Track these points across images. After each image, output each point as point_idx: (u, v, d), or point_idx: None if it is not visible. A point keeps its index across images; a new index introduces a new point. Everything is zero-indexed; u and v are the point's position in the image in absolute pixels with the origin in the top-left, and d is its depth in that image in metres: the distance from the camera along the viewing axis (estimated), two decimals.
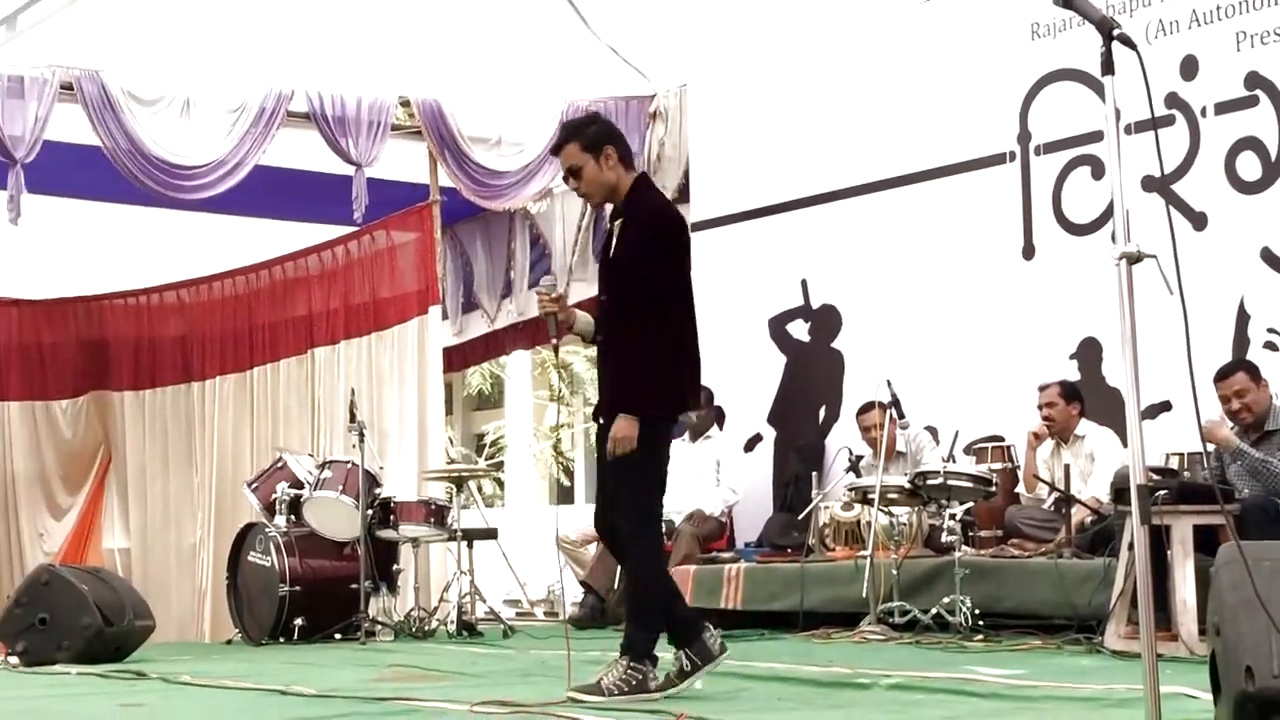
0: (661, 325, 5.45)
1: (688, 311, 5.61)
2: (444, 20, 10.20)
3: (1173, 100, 8.56)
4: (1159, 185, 8.21)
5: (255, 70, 10.45)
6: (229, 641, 10.14)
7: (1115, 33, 3.41)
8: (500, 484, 26.11)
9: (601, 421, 5.59)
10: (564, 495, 29.91)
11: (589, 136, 5.57)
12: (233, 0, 9.68)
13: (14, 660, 7.72)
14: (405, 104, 11.14)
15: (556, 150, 5.76)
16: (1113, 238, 8.75)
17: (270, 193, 11.50)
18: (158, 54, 10.15)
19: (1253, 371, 7.38)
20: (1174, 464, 7.57)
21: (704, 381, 10.28)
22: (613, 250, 5.61)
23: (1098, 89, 8.88)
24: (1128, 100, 3.50)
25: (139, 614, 8.13)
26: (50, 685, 6.53)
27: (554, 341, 5.78)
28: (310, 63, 10.51)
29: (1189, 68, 8.58)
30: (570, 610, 11.18)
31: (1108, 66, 3.42)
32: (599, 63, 11.14)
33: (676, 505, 9.95)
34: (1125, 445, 8.17)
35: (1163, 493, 6.50)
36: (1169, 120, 8.52)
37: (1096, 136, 8.96)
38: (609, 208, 5.76)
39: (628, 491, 5.49)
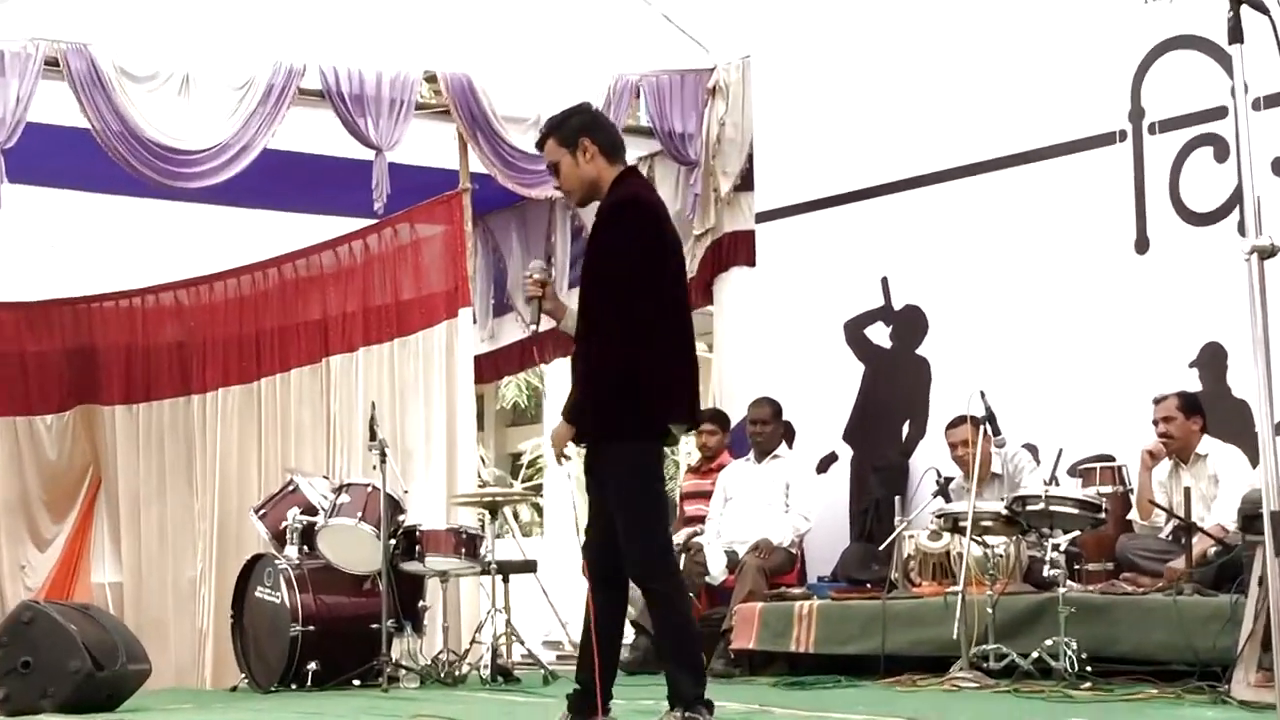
0: (633, 329, 5.54)
1: (669, 311, 5.68)
2: None
3: None
4: None
5: (263, 43, 10.52)
6: (234, 688, 10.18)
7: None
8: (539, 510, 26.12)
9: (584, 443, 5.71)
10: None
11: (566, 130, 5.79)
12: None
13: None
14: (431, 80, 11.19)
15: (540, 145, 5.95)
16: (1240, 229, 8.74)
17: (279, 181, 11.57)
18: (153, 26, 10.24)
19: None
20: None
21: (772, 393, 10.43)
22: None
23: (1222, 59, 8.83)
24: (1255, 72, 3.48)
25: (133, 657, 8.16)
26: None
27: (533, 327, 6.05)
28: (325, 34, 10.57)
29: None
30: (621, 654, 11.20)
31: (1236, 34, 3.41)
32: (651, 32, 11.18)
33: (741, 534, 9.97)
34: (1255, 465, 8.16)
35: None
36: None
37: (1220, 113, 8.92)
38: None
39: (633, 527, 5.58)
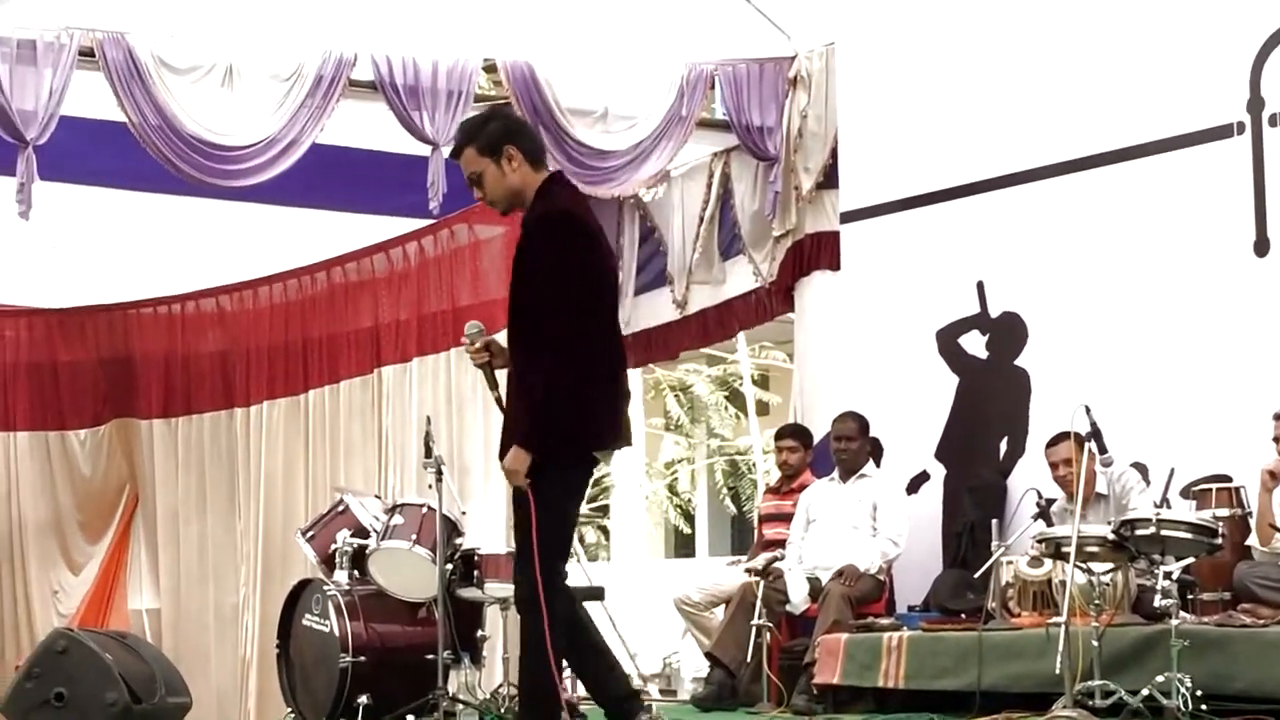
0: (563, 344, 5.69)
1: (600, 328, 5.83)
2: None
3: None
4: None
5: (311, 32, 10.58)
6: None
7: None
8: (605, 532, 26.21)
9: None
10: (683, 546, 29.93)
11: (487, 136, 5.89)
12: None
13: None
14: (491, 69, 11.23)
15: (455, 155, 6.07)
16: None
17: (328, 178, 11.62)
18: (195, 14, 10.31)
19: None
20: None
21: (859, 408, 10.40)
22: None
23: None
24: None
25: (172, 689, 8.22)
26: None
27: (495, 394, 6.20)
28: (377, 22, 10.62)
29: None
30: (693, 687, 11.22)
31: None
32: (727, 17, 11.16)
33: (824, 559, 9.95)
34: None
35: None
36: None
37: None
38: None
39: (525, 547, 5.75)
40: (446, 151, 10.70)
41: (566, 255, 5.79)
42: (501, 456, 5.83)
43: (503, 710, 9.50)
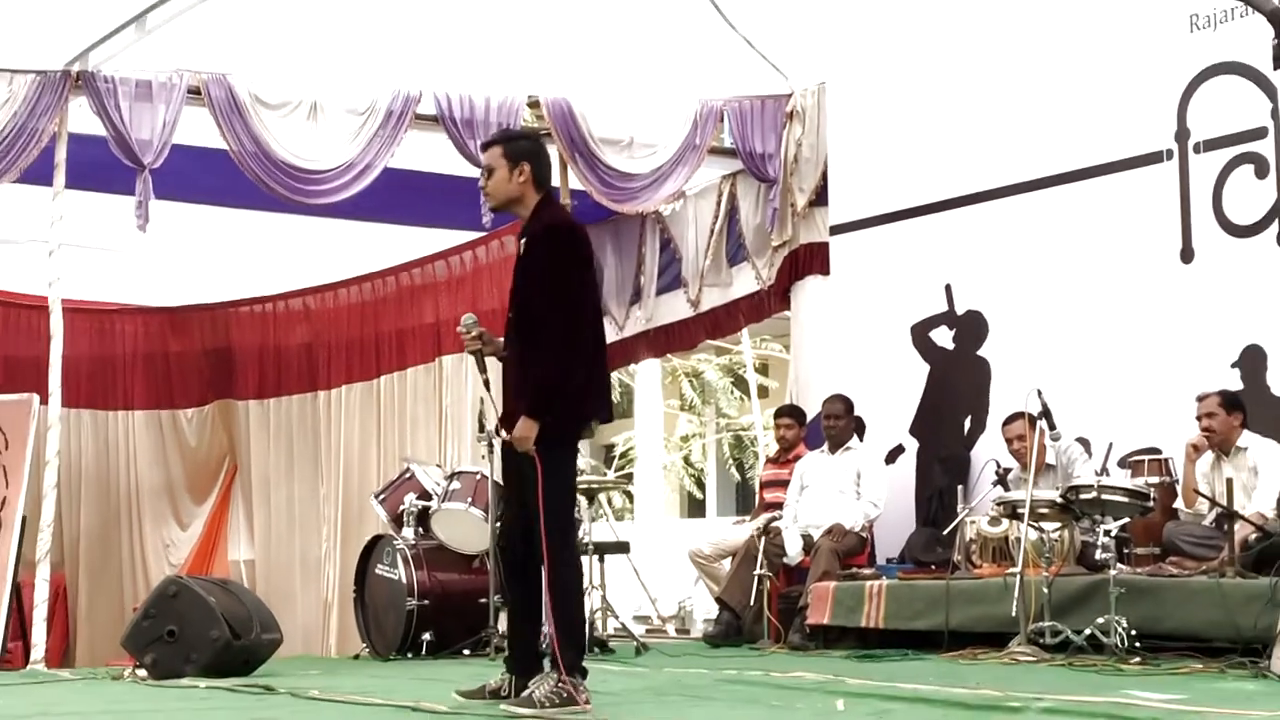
0: (566, 336, 5.71)
1: (594, 322, 5.90)
2: (574, 18, 10.26)
3: None
4: None
5: (382, 72, 10.57)
6: (356, 656, 10.26)
7: None
8: (630, 496, 26.17)
9: (504, 436, 5.84)
10: (695, 508, 29.90)
11: (514, 147, 5.96)
12: (359, 2, 9.80)
13: (142, 673, 7.86)
14: (534, 105, 11.20)
15: (485, 148, 6.14)
16: (1279, 240, 8.62)
17: (397, 197, 11.61)
18: (285, 57, 10.30)
19: None
20: None
21: (845, 390, 10.39)
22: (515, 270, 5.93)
23: (1261, 83, 8.72)
24: None
25: (266, 627, 8.24)
26: (180, 698, 6.66)
27: (484, 377, 6.17)
28: (437, 64, 10.61)
29: None
30: (704, 627, 11.22)
31: (1279, 60, 3.35)
32: (734, 61, 11.14)
33: (816, 519, 9.94)
34: None
35: None
36: None
37: (1259, 133, 8.81)
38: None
39: (545, 513, 5.67)
40: None
41: (573, 260, 5.83)
42: (507, 429, 5.78)
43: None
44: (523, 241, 5.92)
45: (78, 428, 13.10)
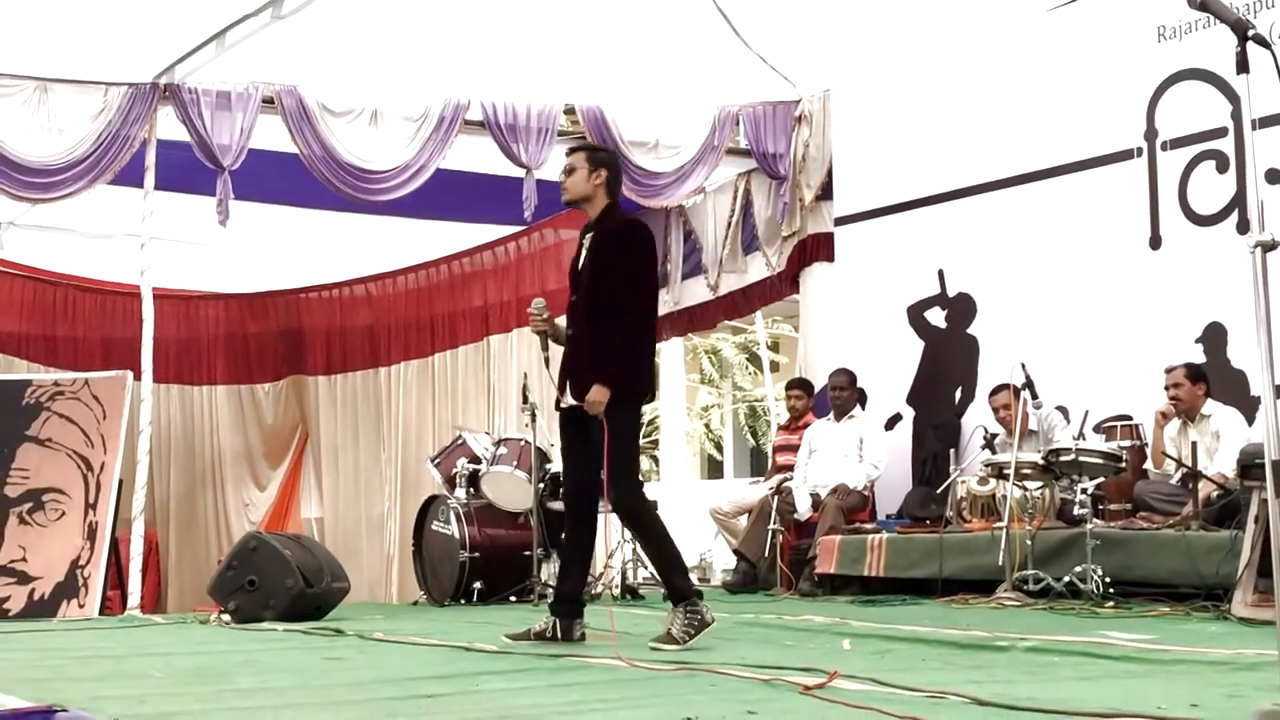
0: (640, 318, 5.94)
1: (656, 311, 6.11)
2: (606, 33, 10.23)
3: None
4: None
5: (435, 82, 10.57)
6: (415, 603, 10.28)
7: (1250, 34, 3.31)
8: (656, 460, 26.16)
9: (566, 406, 6.01)
10: (714, 470, 29.87)
11: (597, 156, 6.18)
12: (415, 18, 9.80)
13: (226, 618, 7.92)
14: (570, 112, 11.19)
15: (571, 152, 6.25)
16: (1238, 229, 8.57)
17: (448, 195, 11.63)
18: (348, 69, 10.31)
19: None
20: None
21: (849, 365, 10.38)
22: (582, 260, 6.06)
23: (1221, 87, 8.68)
24: (1255, 97, 3.40)
25: (336, 577, 8.28)
26: (260, 640, 6.70)
27: (546, 355, 6.33)
28: (484, 75, 10.60)
29: None
30: (723, 576, 11.23)
31: (1243, 66, 3.32)
32: (748, 70, 11.10)
33: (823, 480, 9.94)
34: (1250, 424, 8.04)
35: None
36: None
37: (1220, 132, 8.75)
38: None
39: (619, 469, 5.79)
40: (538, 173, 10.77)
41: (647, 254, 6.04)
42: (578, 396, 5.87)
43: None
44: (589, 236, 6.08)
45: (167, 401, 13.14)
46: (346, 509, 13.24)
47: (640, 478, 6.04)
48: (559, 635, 5.88)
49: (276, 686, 4.62)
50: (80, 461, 10.18)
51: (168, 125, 10.10)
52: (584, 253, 6.09)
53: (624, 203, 11.50)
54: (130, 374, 10.44)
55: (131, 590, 9.74)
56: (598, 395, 5.76)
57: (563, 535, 6.29)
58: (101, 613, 9.60)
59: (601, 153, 6.29)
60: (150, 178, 10.02)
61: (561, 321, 6.21)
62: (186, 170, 10.23)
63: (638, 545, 9.74)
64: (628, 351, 5.87)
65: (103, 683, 4.78)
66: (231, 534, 12.53)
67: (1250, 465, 6.75)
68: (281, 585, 7.84)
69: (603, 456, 5.79)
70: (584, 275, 6.02)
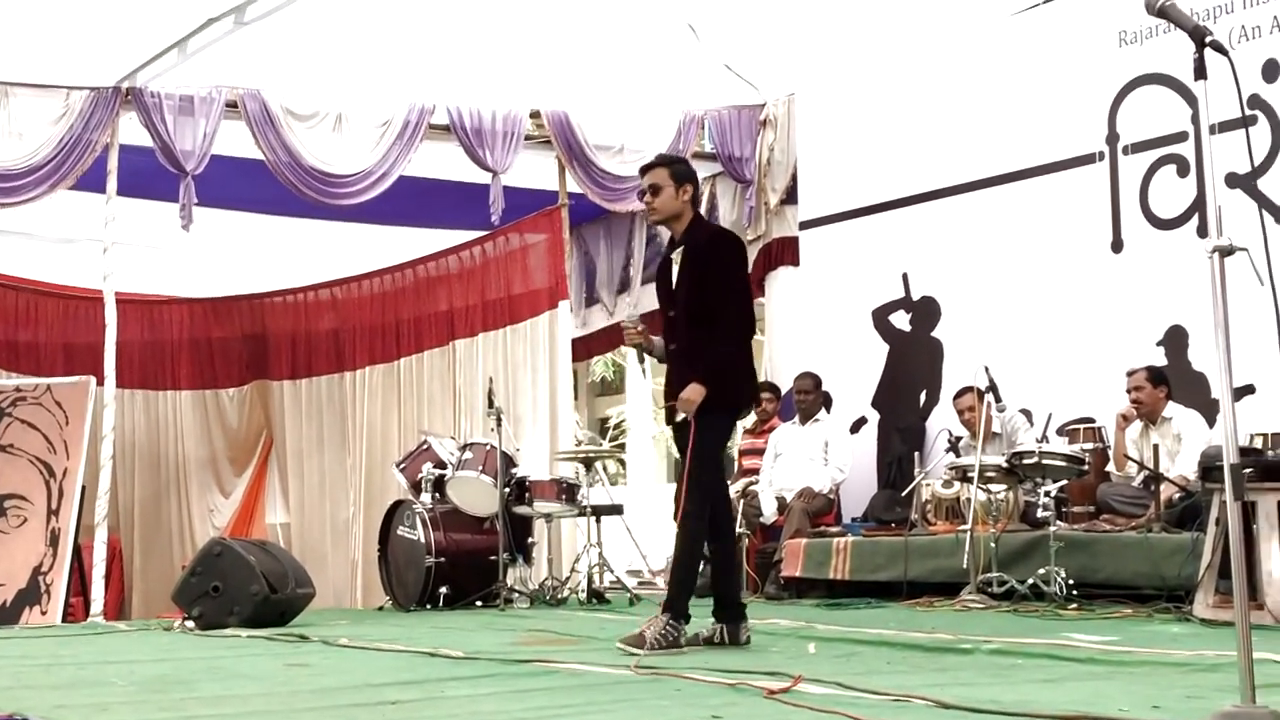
0: (740, 325, 5.90)
1: (754, 320, 6.03)
2: (571, 38, 10.23)
3: (1255, 101, 8.37)
4: (1242, 182, 8.08)
5: (400, 87, 10.55)
6: (380, 608, 10.25)
7: (1208, 40, 3.34)
8: (623, 463, 26.13)
9: (678, 421, 5.90)
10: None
11: (678, 170, 6.06)
12: (379, 22, 9.77)
13: (190, 624, 7.87)
14: (536, 116, 11.18)
15: (646, 169, 6.13)
16: (1199, 233, 8.64)
17: (414, 202, 11.63)
18: (313, 74, 10.28)
19: None
20: (1258, 444, 7.43)
21: (814, 368, 10.40)
22: (677, 274, 6.00)
23: (1182, 92, 8.74)
24: (1212, 101, 3.42)
25: (301, 582, 8.24)
26: (224, 646, 6.66)
27: (644, 366, 6.50)
28: (449, 79, 10.58)
29: (1271, 70, 8.39)
30: None
31: (1200, 72, 3.35)
32: (713, 75, 11.13)
33: (789, 483, 9.95)
34: (1211, 426, 8.09)
35: (1249, 471, 6.37)
36: (1252, 120, 8.33)
37: (1181, 137, 8.82)
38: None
39: (694, 478, 5.79)
40: (504, 178, 10.76)
41: (743, 267, 6.10)
42: (671, 405, 5.89)
43: (547, 597, 9.51)
44: (679, 251, 6.03)
45: (131, 406, 13.06)
46: (311, 514, 13.18)
47: (712, 485, 5.92)
48: (724, 639, 5.86)
49: (240, 694, 4.59)
50: (42, 467, 10.11)
51: (130, 130, 10.05)
52: (675, 267, 6.03)
53: (588, 207, 11.74)
54: (93, 379, 10.38)
55: (94, 597, 9.68)
56: (691, 394, 5.74)
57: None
58: (64, 620, 9.54)
59: (680, 164, 6.17)
60: (112, 182, 9.97)
61: (657, 340, 6.17)
62: (149, 176, 10.18)
63: (601, 551, 9.78)
64: (729, 359, 5.86)
65: (65, 691, 4.75)
66: (196, 540, 12.44)
67: (1211, 467, 6.81)
68: (246, 591, 7.80)
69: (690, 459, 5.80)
70: (680, 289, 5.98)
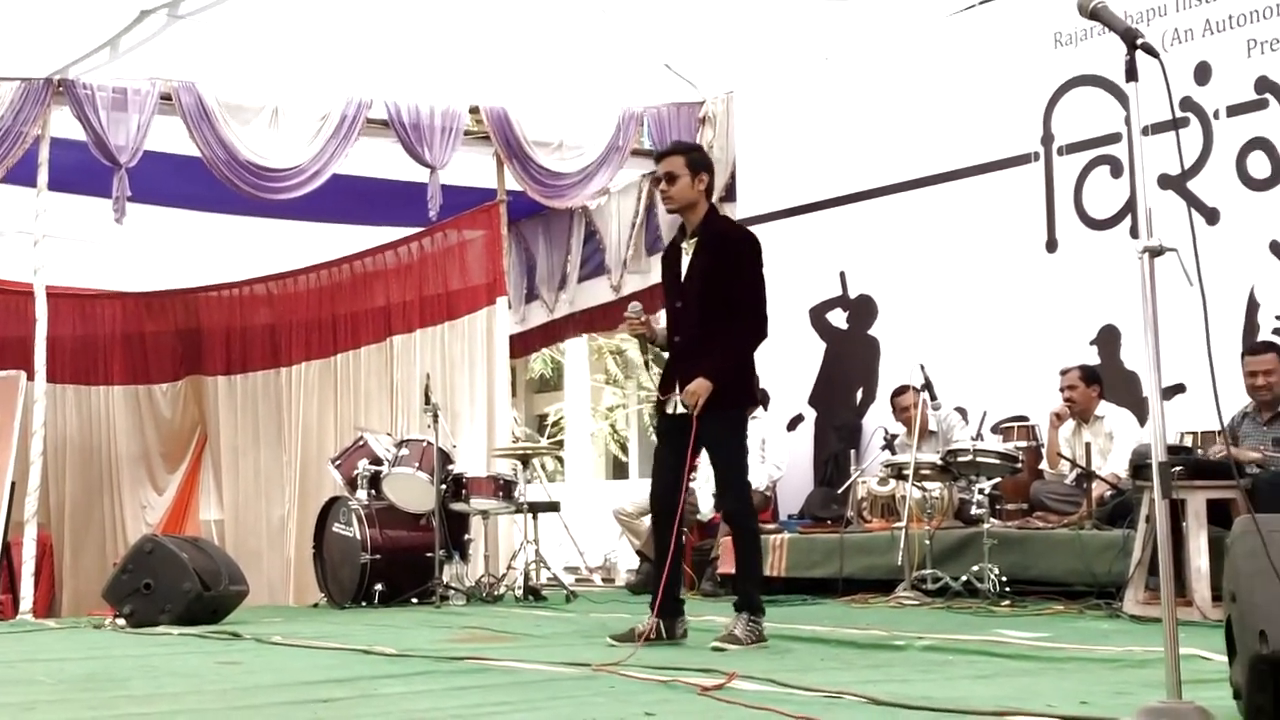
0: (756, 320, 5.89)
1: (767, 319, 5.99)
2: (510, 35, 10.19)
3: (1187, 104, 8.47)
4: (1174, 183, 8.17)
5: (338, 81, 10.48)
6: (315, 605, 10.20)
7: (1139, 42, 3.37)
8: (561, 461, 26.11)
9: (670, 412, 5.89)
10: (619, 470, 29.90)
11: (695, 159, 6.02)
12: (317, 16, 9.70)
13: (121, 622, 7.80)
14: (474, 111, 11.14)
15: (662, 156, 6.12)
16: (1132, 233, 8.72)
17: (352, 201, 11.59)
18: (248, 66, 10.19)
19: None
20: (1188, 442, 7.52)
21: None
22: (687, 265, 5.96)
23: (1116, 93, 8.82)
24: (1145, 104, 3.45)
25: (234, 580, 8.19)
26: (155, 645, 6.60)
27: (648, 358, 6.21)
28: (387, 74, 10.53)
29: (1202, 73, 8.49)
30: (627, 577, 11.23)
31: (1131, 74, 3.38)
32: (652, 72, 11.12)
33: None
34: (1142, 425, 8.18)
35: (1179, 469, 6.45)
36: (1184, 122, 8.42)
37: (1115, 138, 8.90)
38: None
39: (735, 475, 5.87)
40: (443, 175, 10.72)
41: (759, 265, 5.98)
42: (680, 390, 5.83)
43: (484, 594, 9.49)
44: (692, 241, 5.98)
45: (62, 402, 12.94)
46: (246, 511, 13.10)
47: (748, 478, 6.00)
48: (663, 635, 5.83)
49: (170, 692, 4.55)
50: None
51: (62, 123, 9.92)
52: (686, 257, 5.98)
53: (528, 203, 11.71)
54: (23, 374, 10.25)
55: (24, 594, 9.57)
56: (699, 388, 5.70)
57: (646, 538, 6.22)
58: None
59: (696, 153, 6.13)
60: (44, 175, 9.84)
61: (659, 327, 6.14)
62: (83, 172, 10.06)
63: (538, 548, 9.76)
64: (740, 356, 5.86)
65: None
66: (128, 537, 12.35)
67: (1141, 465, 6.89)
68: (178, 588, 7.74)
69: (685, 456, 5.78)
70: (692, 280, 5.94)
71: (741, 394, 5.89)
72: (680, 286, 5.99)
